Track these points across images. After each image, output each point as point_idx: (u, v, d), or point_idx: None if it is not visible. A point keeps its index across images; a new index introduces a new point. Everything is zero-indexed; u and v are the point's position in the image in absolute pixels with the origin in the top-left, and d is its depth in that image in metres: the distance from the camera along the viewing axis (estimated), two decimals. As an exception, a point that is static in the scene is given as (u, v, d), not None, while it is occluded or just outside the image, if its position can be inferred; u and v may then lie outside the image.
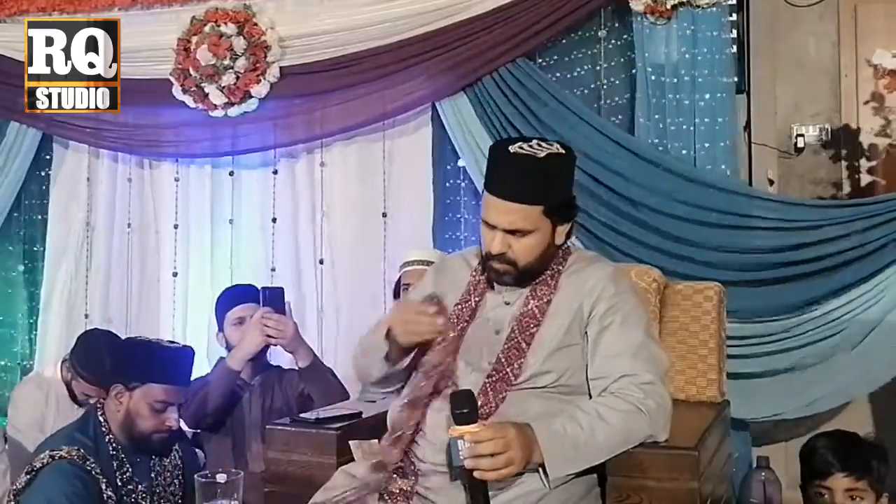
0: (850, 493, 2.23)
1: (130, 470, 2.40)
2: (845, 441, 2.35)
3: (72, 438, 2.36)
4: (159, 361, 2.43)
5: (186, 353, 2.49)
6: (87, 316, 3.98)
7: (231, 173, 3.83)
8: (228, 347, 2.89)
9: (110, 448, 2.39)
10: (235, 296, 2.97)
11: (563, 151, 1.88)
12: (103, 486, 2.31)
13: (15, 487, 2.29)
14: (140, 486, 2.40)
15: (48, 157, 4.12)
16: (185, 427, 2.75)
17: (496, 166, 1.88)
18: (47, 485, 2.24)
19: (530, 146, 1.85)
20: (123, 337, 3.28)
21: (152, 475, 2.46)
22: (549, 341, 1.87)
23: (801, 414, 3.03)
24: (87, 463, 2.31)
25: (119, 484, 2.36)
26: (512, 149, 1.84)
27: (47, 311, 4.05)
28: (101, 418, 2.43)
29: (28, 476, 2.28)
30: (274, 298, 2.83)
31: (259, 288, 2.97)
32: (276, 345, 2.83)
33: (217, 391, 2.74)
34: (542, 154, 1.84)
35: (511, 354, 1.87)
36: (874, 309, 2.92)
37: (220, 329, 2.95)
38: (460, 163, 3.49)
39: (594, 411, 1.76)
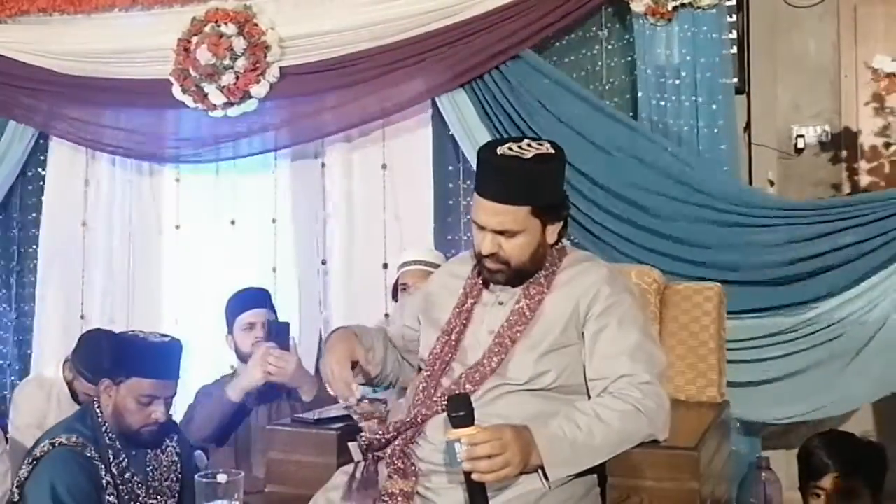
0: (845, 493, 2.24)
1: (126, 460, 2.42)
2: (840, 441, 2.36)
3: (70, 428, 2.39)
4: (145, 355, 2.42)
5: (173, 346, 2.46)
6: (83, 317, 3.97)
7: (230, 174, 3.82)
8: (237, 350, 2.89)
9: (107, 438, 2.41)
10: (246, 300, 2.92)
11: (553, 151, 1.88)
12: (102, 472, 2.34)
13: (18, 479, 2.32)
14: (136, 478, 2.42)
15: (42, 157, 4.09)
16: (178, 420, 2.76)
17: (484, 168, 1.90)
18: (48, 471, 2.28)
19: (519, 147, 1.86)
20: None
21: (148, 469, 2.46)
22: (543, 341, 1.88)
23: (808, 418, 3.02)
24: (86, 449, 2.34)
25: (115, 472, 2.38)
26: (499, 150, 1.86)
27: (42, 312, 4.03)
28: (98, 410, 2.44)
29: (29, 466, 2.31)
30: (279, 333, 2.79)
31: (267, 291, 2.98)
32: (276, 381, 2.77)
33: (215, 421, 2.74)
34: (530, 155, 1.84)
35: (494, 350, 1.88)
36: (876, 312, 2.91)
37: (230, 331, 2.94)
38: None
39: (592, 412, 1.76)
